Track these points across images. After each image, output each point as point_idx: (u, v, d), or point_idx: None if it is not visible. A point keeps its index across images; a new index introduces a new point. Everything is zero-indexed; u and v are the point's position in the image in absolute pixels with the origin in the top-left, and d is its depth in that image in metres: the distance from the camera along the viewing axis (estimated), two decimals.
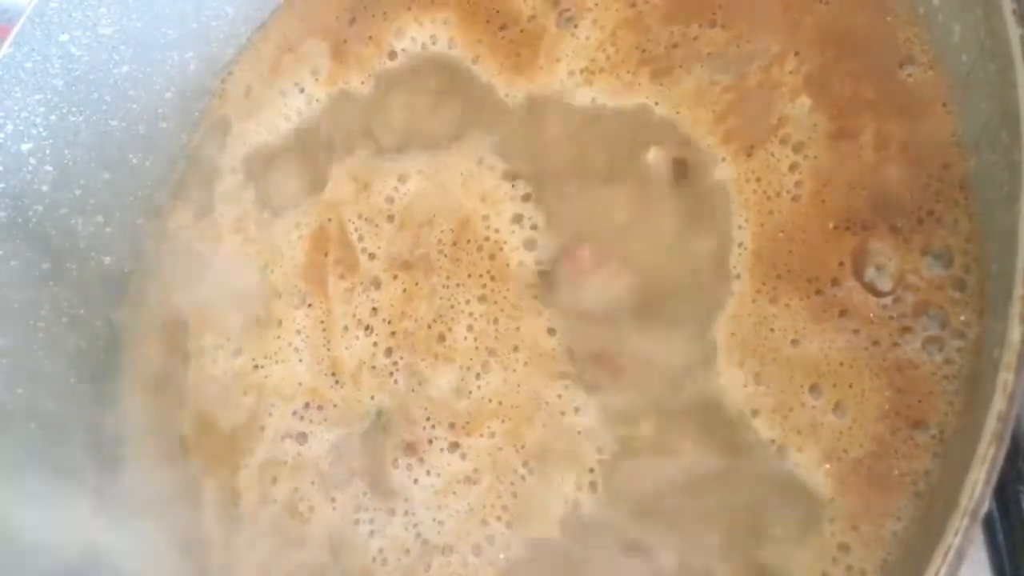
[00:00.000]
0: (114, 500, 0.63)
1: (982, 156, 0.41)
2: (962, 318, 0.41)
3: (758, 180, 0.48)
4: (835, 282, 0.45)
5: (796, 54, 0.49)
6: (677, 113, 0.51)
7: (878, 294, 0.43)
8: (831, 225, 0.45)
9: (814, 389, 0.44)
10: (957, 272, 0.41)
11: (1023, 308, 0.32)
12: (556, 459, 0.49)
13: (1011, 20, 0.36)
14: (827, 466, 0.42)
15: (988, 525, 0.46)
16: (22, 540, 0.56)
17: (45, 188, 0.65)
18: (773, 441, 0.44)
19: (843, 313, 0.44)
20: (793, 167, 0.47)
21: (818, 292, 0.45)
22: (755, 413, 0.44)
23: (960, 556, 0.30)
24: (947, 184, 0.43)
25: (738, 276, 0.47)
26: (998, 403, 0.31)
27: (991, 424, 0.31)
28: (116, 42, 0.68)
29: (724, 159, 0.49)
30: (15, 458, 0.61)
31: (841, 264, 0.45)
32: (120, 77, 0.68)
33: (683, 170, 0.50)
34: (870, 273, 0.44)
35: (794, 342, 0.45)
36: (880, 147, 0.45)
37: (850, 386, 0.43)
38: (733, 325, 0.46)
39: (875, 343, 0.43)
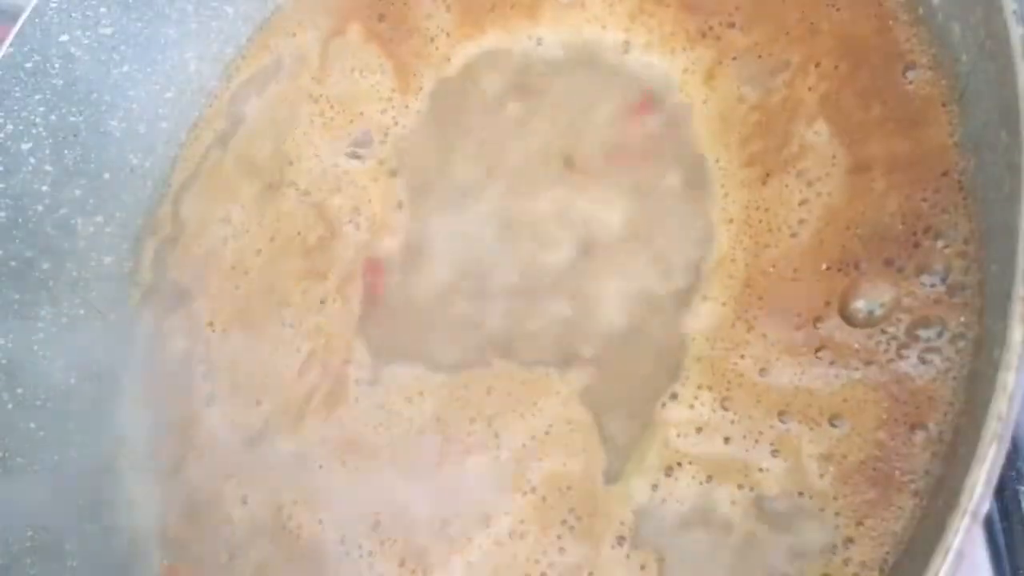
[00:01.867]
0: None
1: (982, 156, 0.41)
2: (962, 319, 0.41)
3: (767, 211, 0.47)
4: (819, 320, 0.44)
5: (816, 65, 0.48)
6: (706, 130, 0.51)
7: (869, 325, 0.43)
8: (824, 266, 0.45)
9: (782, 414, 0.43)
10: (956, 276, 0.41)
11: (1023, 308, 0.32)
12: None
13: (1011, 20, 0.36)
14: (830, 468, 0.42)
15: (988, 525, 0.46)
16: None
17: (45, 188, 0.66)
18: (776, 452, 0.44)
19: (822, 349, 0.43)
20: (803, 203, 0.46)
21: (798, 328, 0.44)
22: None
23: (960, 556, 0.30)
24: (947, 186, 0.43)
25: (724, 304, 0.47)
26: (998, 403, 0.31)
27: (991, 424, 0.31)
28: (116, 42, 0.68)
29: (741, 182, 0.48)
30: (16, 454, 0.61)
31: (828, 304, 0.44)
32: (120, 77, 0.69)
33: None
34: (858, 308, 0.43)
35: (763, 371, 0.44)
36: (889, 170, 0.44)
37: (844, 400, 0.42)
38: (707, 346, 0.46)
39: (868, 363, 0.42)
